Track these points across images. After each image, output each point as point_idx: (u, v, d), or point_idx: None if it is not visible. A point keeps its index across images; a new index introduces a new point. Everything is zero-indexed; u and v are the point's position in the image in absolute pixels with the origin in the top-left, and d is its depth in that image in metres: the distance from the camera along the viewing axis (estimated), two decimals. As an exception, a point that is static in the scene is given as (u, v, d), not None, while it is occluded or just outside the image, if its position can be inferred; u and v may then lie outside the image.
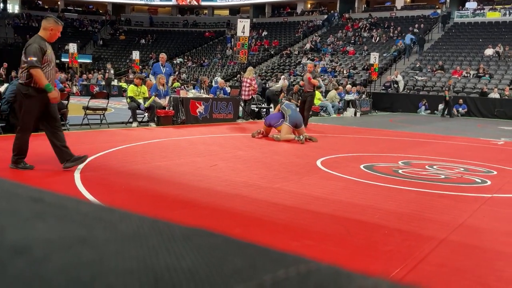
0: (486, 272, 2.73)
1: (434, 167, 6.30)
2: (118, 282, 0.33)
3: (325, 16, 35.04)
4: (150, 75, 11.99)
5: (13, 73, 19.54)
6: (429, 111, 20.03)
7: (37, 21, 39.20)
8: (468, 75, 21.86)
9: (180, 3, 42.57)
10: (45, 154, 5.24)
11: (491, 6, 28.35)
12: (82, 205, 0.52)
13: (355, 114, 16.98)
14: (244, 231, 3.22)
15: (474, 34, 26.67)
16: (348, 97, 17.71)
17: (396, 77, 21.87)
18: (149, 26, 41.53)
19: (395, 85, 21.68)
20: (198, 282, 0.34)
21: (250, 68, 13.54)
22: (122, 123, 10.07)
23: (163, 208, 3.78)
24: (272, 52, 31.72)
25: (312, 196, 4.34)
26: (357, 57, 27.28)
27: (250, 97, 12.82)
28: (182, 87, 18.55)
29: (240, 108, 12.66)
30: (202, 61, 33.47)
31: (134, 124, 9.81)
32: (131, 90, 10.10)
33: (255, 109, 13.83)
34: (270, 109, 13.48)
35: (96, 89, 21.05)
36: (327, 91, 17.86)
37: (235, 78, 26.07)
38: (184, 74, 30.05)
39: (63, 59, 30.65)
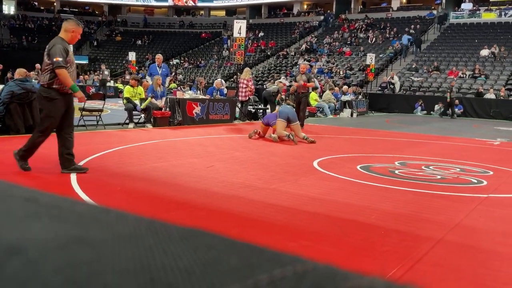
0: (482, 272, 2.74)
1: (430, 167, 6.32)
2: (114, 282, 0.33)
3: (322, 17, 35.11)
4: (147, 76, 11.97)
5: (9, 74, 19.41)
6: (425, 112, 20.09)
7: (33, 22, 39.15)
8: (464, 75, 21.94)
9: (176, 3, 42.57)
10: (44, 154, 5.22)
11: (487, 7, 28.50)
12: (78, 205, 0.52)
13: (351, 115, 17.00)
14: (241, 232, 3.22)
15: (469, 35, 26.77)
16: (344, 98, 17.73)
17: (392, 78, 21.90)
18: (145, 27, 41.48)
19: (391, 86, 21.71)
20: (194, 282, 0.34)
21: (246, 69, 13.54)
22: (119, 124, 10.05)
23: (160, 209, 3.77)
24: (268, 53, 31.74)
25: (309, 197, 4.34)
26: (354, 58, 27.33)
27: (247, 98, 12.83)
28: (179, 88, 18.51)
29: (237, 109, 12.67)
30: (198, 62, 33.42)
31: (131, 125, 9.78)
32: (127, 91, 10.07)
33: (252, 110, 13.84)
34: (267, 110, 13.48)
35: (92, 90, 20.98)
36: (323, 92, 17.88)
37: (232, 79, 26.05)
38: (180, 75, 30.00)
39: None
